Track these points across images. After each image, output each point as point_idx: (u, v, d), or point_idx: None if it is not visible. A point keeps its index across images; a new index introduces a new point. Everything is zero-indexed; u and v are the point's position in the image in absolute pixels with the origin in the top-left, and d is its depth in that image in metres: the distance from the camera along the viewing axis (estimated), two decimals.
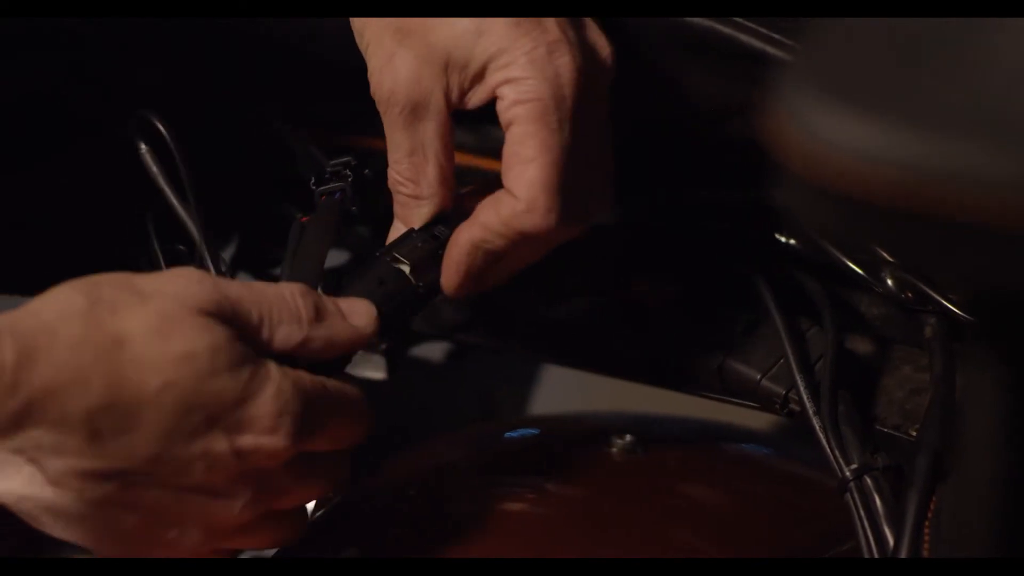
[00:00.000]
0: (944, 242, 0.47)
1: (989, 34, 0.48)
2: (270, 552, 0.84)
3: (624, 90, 0.84)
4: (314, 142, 0.97)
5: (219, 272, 0.86)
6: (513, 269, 0.84)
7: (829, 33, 0.51)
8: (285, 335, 0.76)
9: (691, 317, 0.92)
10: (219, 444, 0.73)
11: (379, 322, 0.80)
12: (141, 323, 0.72)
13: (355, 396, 0.78)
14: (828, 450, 0.81)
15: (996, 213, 0.45)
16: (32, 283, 0.75)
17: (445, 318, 0.99)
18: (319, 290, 0.81)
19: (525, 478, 0.88)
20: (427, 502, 0.87)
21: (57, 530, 0.74)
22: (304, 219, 0.87)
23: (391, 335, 0.81)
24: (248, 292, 0.76)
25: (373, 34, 0.82)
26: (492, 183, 0.82)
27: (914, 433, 0.83)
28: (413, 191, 0.83)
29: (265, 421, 0.74)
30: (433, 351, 1.24)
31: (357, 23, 0.83)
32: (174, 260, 0.88)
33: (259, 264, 1.09)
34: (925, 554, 0.75)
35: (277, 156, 1.00)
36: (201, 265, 0.86)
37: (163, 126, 0.87)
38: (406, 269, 0.82)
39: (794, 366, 0.85)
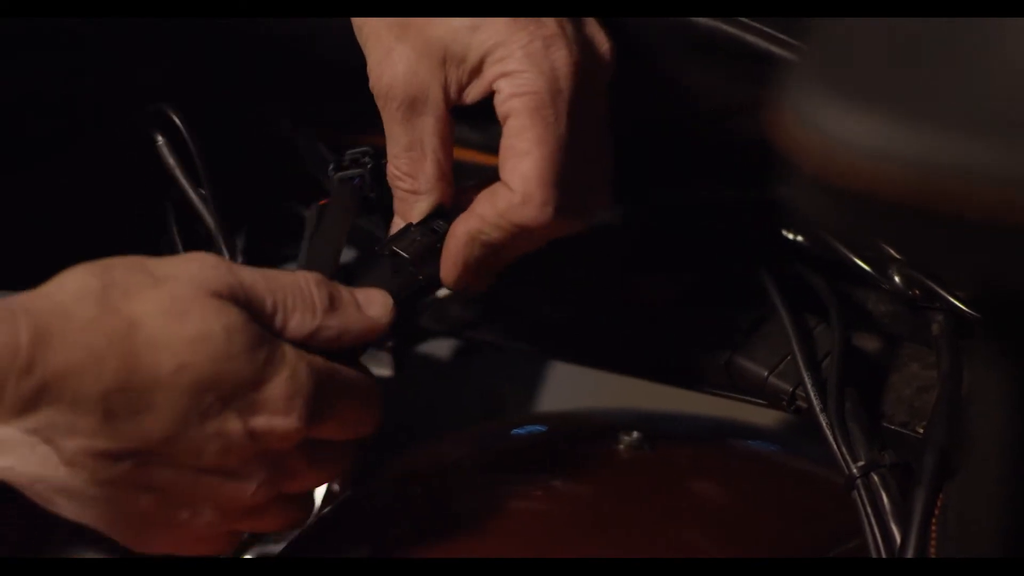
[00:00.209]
0: (951, 239, 0.47)
1: (996, 31, 0.48)
2: (276, 549, 0.85)
3: (629, 88, 0.84)
4: (320, 140, 0.98)
5: (234, 260, 0.86)
6: (511, 260, 0.84)
7: (836, 30, 0.51)
8: (298, 323, 0.77)
9: (698, 314, 0.92)
10: (233, 425, 0.74)
11: (395, 312, 0.80)
12: (155, 305, 0.73)
13: (368, 385, 0.79)
14: (835, 447, 0.81)
15: (1004, 210, 0.45)
16: (32, 282, 0.75)
17: (452, 316, 0.99)
18: (336, 276, 0.81)
19: (532, 475, 0.88)
20: (433, 500, 0.87)
21: (71, 512, 0.74)
22: (322, 203, 0.87)
23: (395, 329, 0.81)
24: (262, 279, 0.76)
25: (372, 29, 0.83)
26: (493, 180, 0.82)
27: (921, 430, 0.83)
28: (411, 186, 0.83)
29: (279, 403, 0.74)
30: (440, 348, 1.24)
31: (356, 19, 0.84)
32: (193, 245, 0.89)
33: (265, 261, 1.09)
34: (932, 552, 0.75)
35: (283, 154, 1.00)
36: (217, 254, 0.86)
37: (178, 118, 0.88)
38: (407, 262, 0.83)
39: (801, 363, 0.85)
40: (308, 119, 1.00)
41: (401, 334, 0.92)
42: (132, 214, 0.76)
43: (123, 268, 0.74)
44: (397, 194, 0.84)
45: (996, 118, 0.46)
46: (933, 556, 0.75)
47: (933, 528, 0.75)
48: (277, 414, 0.74)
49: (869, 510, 0.79)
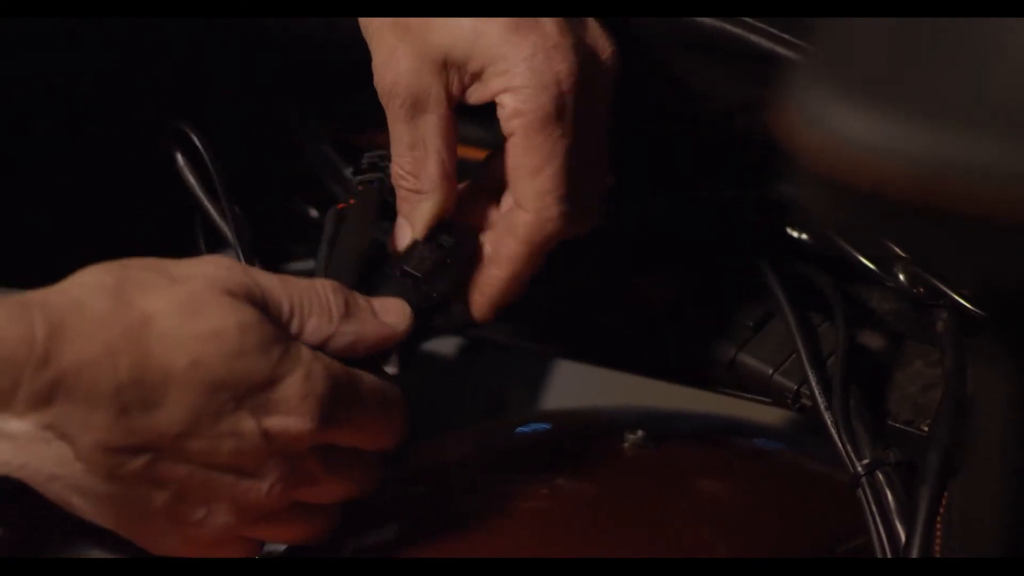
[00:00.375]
0: (956, 237, 0.47)
1: (1000, 28, 0.48)
2: (280, 547, 0.84)
3: (631, 88, 0.84)
4: (327, 138, 0.98)
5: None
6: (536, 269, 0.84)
7: (840, 29, 0.50)
8: (315, 327, 0.77)
9: (703, 312, 0.92)
10: (247, 424, 0.74)
11: (413, 319, 0.80)
12: (169, 302, 0.73)
13: (389, 393, 0.79)
14: (840, 445, 0.81)
15: (1008, 207, 0.45)
16: (32, 282, 0.75)
17: (456, 314, 0.99)
18: (358, 284, 0.81)
19: (536, 474, 0.88)
20: (436, 499, 0.87)
21: (87, 511, 0.74)
22: (341, 207, 0.87)
23: (412, 341, 0.81)
24: (279, 283, 0.77)
25: (375, 29, 0.83)
26: (485, 181, 0.83)
27: (926, 428, 0.83)
28: (414, 185, 0.83)
29: (292, 403, 0.74)
30: (444, 347, 1.24)
31: (362, 18, 0.84)
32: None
33: (270, 259, 1.09)
34: (937, 550, 0.75)
35: (287, 152, 1.00)
36: None
37: (196, 136, 0.88)
38: (419, 281, 0.83)
39: (806, 361, 0.85)
40: (313, 117, 1.00)
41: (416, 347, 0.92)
42: (132, 214, 0.76)
43: (139, 267, 0.74)
44: (400, 193, 0.84)
45: (1000, 116, 0.46)
46: (938, 554, 0.75)
47: (938, 526, 0.75)
48: (290, 414, 0.74)
49: (874, 508, 0.79)
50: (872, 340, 0.89)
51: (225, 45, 0.97)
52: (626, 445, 0.89)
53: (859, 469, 0.80)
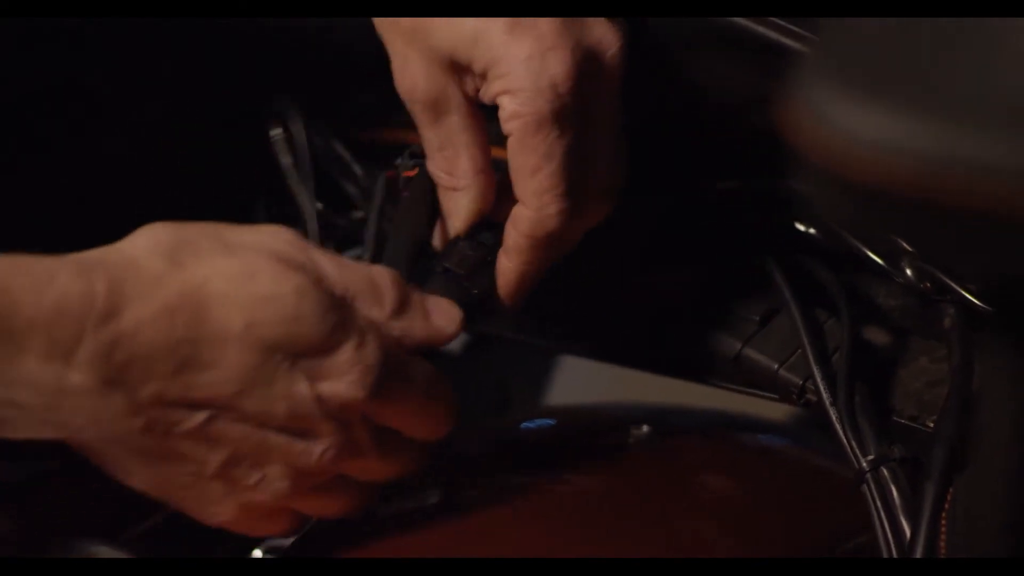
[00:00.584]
0: (963, 232, 0.47)
1: (1007, 25, 0.48)
2: (286, 542, 0.84)
3: (635, 83, 0.84)
4: (335, 136, 0.98)
5: None
6: (556, 260, 0.85)
7: (847, 25, 0.50)
8: (363, 316, 0.77)
9: (709, 307, 0.92)
10: (301, 386, 0.75)
11: (462, 324, 0.81)
12: (224, 265, 0.74)
13: (438, 380, 0.80)
14: (845, 441, 0.81)
15: (1015, 203, 0.45)
16: None
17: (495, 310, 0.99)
18: (412, 273, 0.83)
19: (541, 470, 0.88)
20: (441, 495, 0.87)
21: (142, 476, 0.76)
22: (390, 173, 0.88)
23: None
24: (336, 265, 0.78)
25: (386, 35, 0.84)
26: (507, 177, 0.83)
27: (931, 425, 0.83)
28: (450, 182, 0.85)
29: (344, 369, 0.75)
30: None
31: (375, 20, 0.84)
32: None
33: None
34: (942, 546, 0.75)
35: (293, 150, 1.00)
36: None
37: (297, 111, 0.90)
38: (461, 278, 0.84)
39: (811, 356, 0.85)
40: (324, 114, 1.00)
41: None
42: (132, 214, 0.76)
43: (194, 230, 0.76)
44: (440, 190, 0.86)
45: (1007, 112, 0.46)
46: (943, 550, 0.75)
47: (943, 523, 0.75)
48: (343, 380, 0.75)
49: (879, 504, 0.79)
50: (877, 336, 0.89)
51: (230, 43, 0.97)
52: (631, 440, 0.89)
53: (864, 465, 0.80)
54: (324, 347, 0.75)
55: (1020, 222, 0.46)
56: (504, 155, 0.85)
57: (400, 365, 0.78)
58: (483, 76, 0.81)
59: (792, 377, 0.87)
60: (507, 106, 0.81)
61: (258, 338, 0.74)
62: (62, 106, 0.96)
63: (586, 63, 0.81)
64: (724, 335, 0.90)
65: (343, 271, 0.78)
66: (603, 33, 0.82)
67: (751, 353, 0.89)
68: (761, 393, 0.89)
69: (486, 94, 0.82)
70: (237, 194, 0.90)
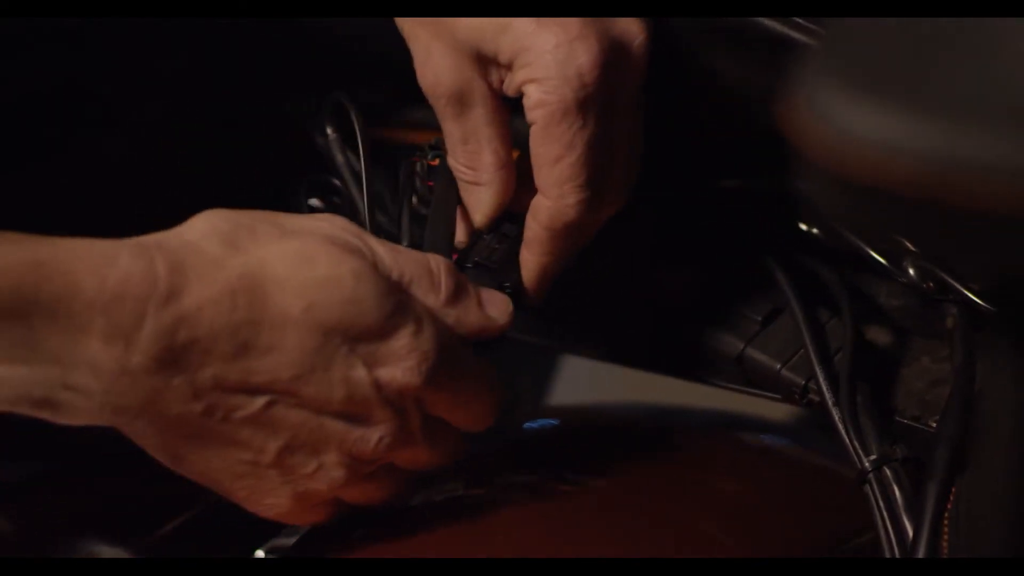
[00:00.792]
0: (966, 232, 0.47)
1: (1010, 25, 0.48)
2: (289, 540, 0.84)
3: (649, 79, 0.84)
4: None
5: None
6: (578, 249, 0.86)
7: (849, 24, 0.50)
8: (420, 304, 0.77)
9: (711, 307, 0.92)
10: (359, 371, 0.75)
11: (512, 316, 0.81)
12: (282, 250, 0.74)
13: (488, 374, 0.80)
14: (847, 441, 0.81)
15: (1017, 202, 0.45)
16: None
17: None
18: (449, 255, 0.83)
19: (545, 470, 0.88)
20: (444, 495, 0.87)
21: (197, 465, 0.75)
22: (415, 159, 0.88)
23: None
24: (392, 252, 0.78)
25: (409, 29, 0.84)
26: (527, 168, 0.84)
27: (933, 424, 0.83)
28: (472, 177, 0.85)
29: (401, 354, 0.75)
30: None
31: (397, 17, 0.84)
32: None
33: None
34: (944, 546, 0.75)
35: (306, 148, 1.00)
36: None
37: (353, 111, 0.90)
38: (493, 272, 0.84)
39: (813, 356, 0.85)
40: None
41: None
42: (133, 214, 0.76)
43: (252, 216, 0.76)
44: (461, 185, 0.86)
45: (1007, 111, 0.46)
46: (945, 550, 0.75)
47: (945, 522, 0.75)
48: (400, 366, 0.75)
49: (881, 504, 0.79)
50: (880, 336, 0.89)
51: (231, 43, 0.97)
52: (633, 441, 0.89)
53: (866, 465, 0.80)
54: (382, 332, 0.75)
55: (1021, 221, 0.46)
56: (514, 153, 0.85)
57: (454, 353, 0.78)
58: (509, 66, 0.81)
59: (794, 377, 0.87)
60: (532, 94, 0.81)
61: (317, 321, 0.73)
62: (62, 106, 0.96)
63: (612, 53, 0.81)
64: (726, 335, 0.90)
65: (399, 257, 0.78)
66: (628, 24, 0.82)
67: (753, 353, 0.89)
68: (763, 393, 0.89)
69: (511, 85, 0.82)
70: (238, 194, 0.90)
